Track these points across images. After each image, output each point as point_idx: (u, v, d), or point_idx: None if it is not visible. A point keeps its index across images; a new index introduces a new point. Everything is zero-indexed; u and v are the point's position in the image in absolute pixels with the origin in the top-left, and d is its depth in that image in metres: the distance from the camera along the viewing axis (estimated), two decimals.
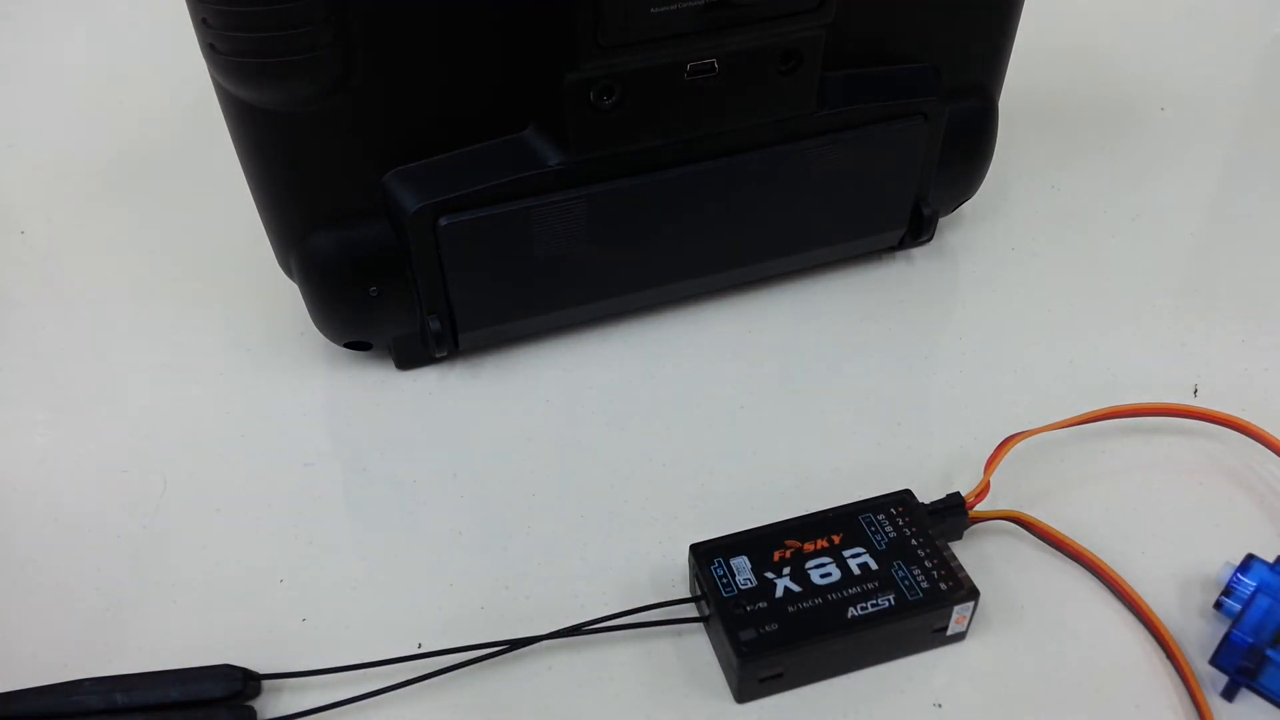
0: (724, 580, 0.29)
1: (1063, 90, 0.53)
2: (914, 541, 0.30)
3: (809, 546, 0.30)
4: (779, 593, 0.29)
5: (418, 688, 0.29)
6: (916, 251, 0.43)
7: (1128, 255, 0.43)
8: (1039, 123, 0.50)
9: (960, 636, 0.30)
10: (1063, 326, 0.40)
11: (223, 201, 0.44)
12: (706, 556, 0.30)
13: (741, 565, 0.30)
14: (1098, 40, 0.56)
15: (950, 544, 0.31)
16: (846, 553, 0.30)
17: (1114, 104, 0.52)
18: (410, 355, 0.38)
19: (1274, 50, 0.56)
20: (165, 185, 0.48)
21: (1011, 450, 0.34)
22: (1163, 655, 0.30)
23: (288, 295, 0.36)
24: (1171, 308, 0.41)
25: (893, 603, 0.29)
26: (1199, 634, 0.31)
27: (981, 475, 0.33)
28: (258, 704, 0.29)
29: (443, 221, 0.33)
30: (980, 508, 0.32)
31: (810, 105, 0.36)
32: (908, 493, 0.32)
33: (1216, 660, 0.29)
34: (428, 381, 0.38)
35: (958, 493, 0.32)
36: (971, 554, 0.32)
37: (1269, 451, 0.34)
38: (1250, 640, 0.29)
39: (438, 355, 0.37)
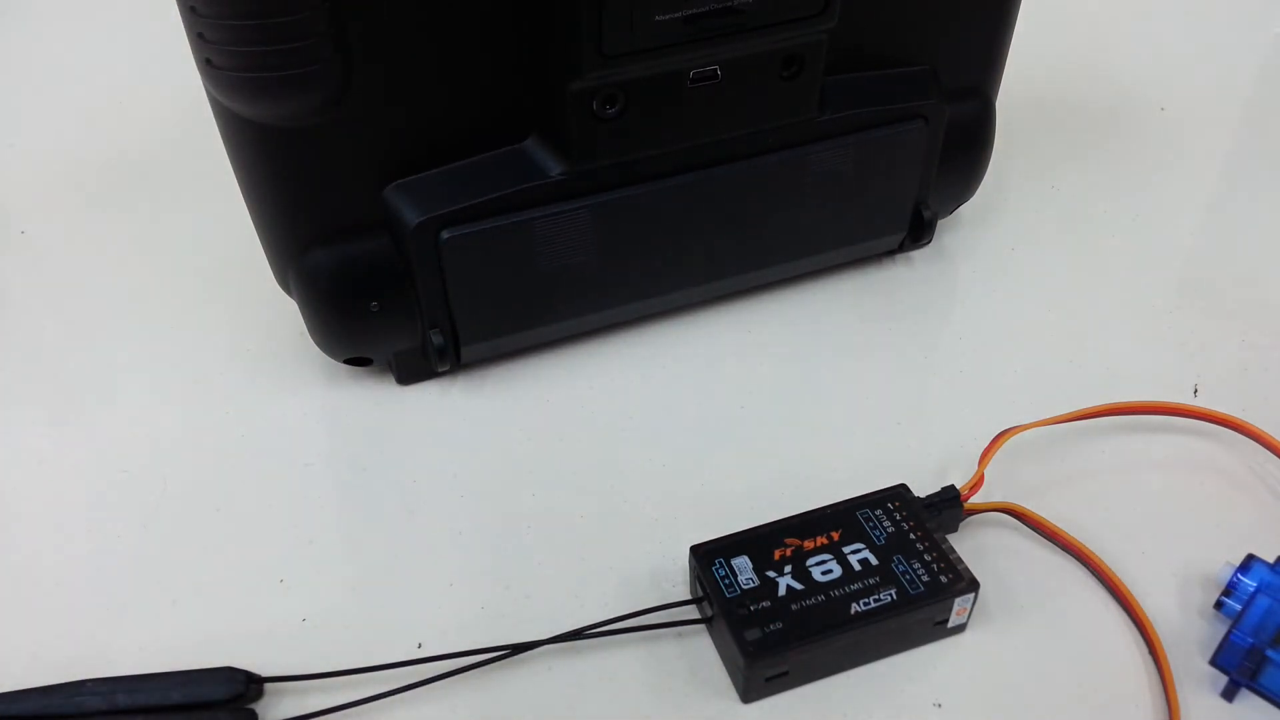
0: (726, 580, 0.29)
1: (1062, 90, 0.53)
2: (912, 535, 0.31)
3: (809, 544, 0.30)
4: (782, 591, 0.29)
5: (419, 691, 0.29)
6: (916, 254, 0.43)
7: (1128, 255, 0.43)
8: (1039, 123, 0.50)
9: (961, 628, 0.31)
10: (1062, 327, 0.40)
11: (224, 204, 0.44)
12: (708, 557, 0.30)
13: (743, 565, 0.30)
14: (1097, 40, 0.56)
15: (947, 536, 0.32)
16: (846, 549, 0.30)
17: (1114, 104, 0.52)
18: (412, 370, 0.38)
19: (1274, 50, 0.56)
20: (166, 186, 0.48)
21: (1009, 446, 0.34)
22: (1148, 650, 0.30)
23: (287, 305, 0.36)
24: (1171, 308, 0.41)
25: (895, 597, 0.29)
26: (1200, 634, 0.31)
27: (976, 469, 0.33)
28: (259, 706, 0.29)
29: (445, 235, 0.33)
30: (975, 500, 0.33)
31: (812, 110, 0.36)
32: (903, 487, 0.32)
33: (1216, 660, 0.29)
34: (430, 396, 0.38)
35: (952, 485, 0.32)
36: (968, 546, 0.32)
37: (1269, 452, 0.34)
38: (1250, 641, 0.29)
39: (440, 370, 0.37)
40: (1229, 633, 0.29)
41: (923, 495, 0.32)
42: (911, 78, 0.37)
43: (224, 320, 0.41)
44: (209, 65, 0.28)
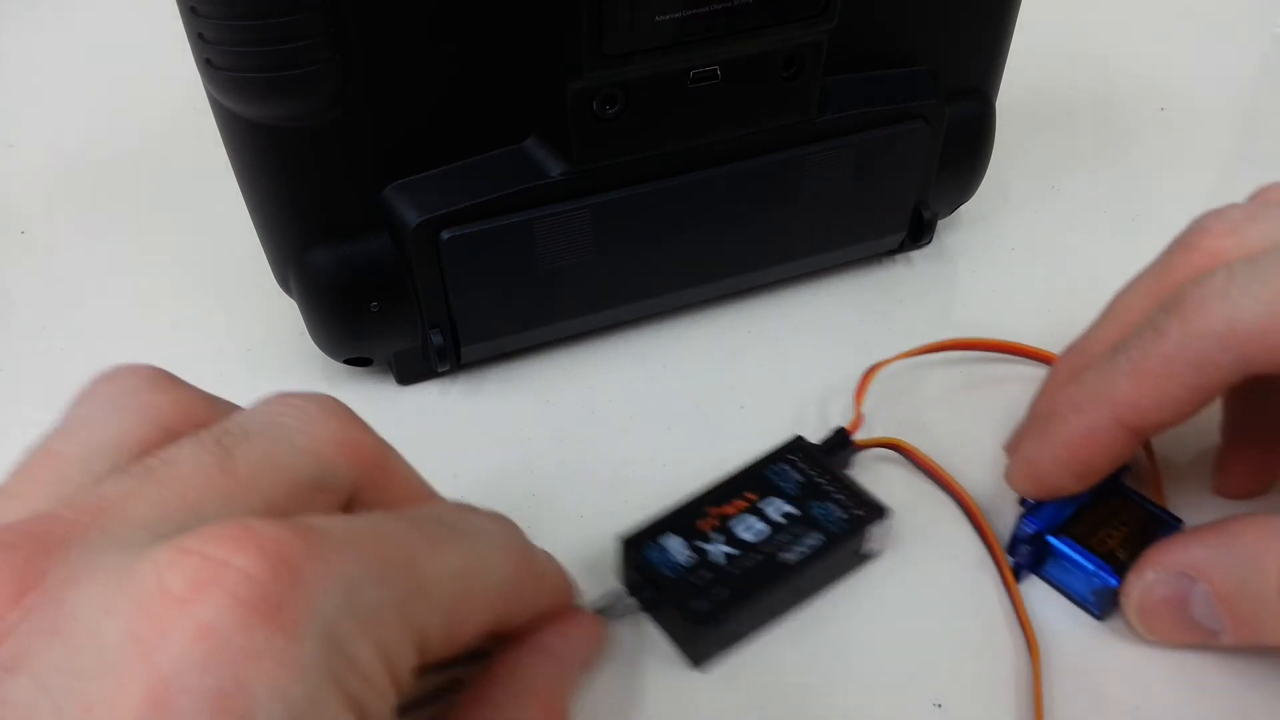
0: (663, 563, 0.30)
1: (1062, 90, 0.53)
2: (820, 480, 0.32)
3: (730, 509, 0.31)
4: (718, 558, 0.30)
5: None
6: (916, 254, 0.43)
7: (1128, 255, 0.43)
8: (1038, 123, 0.50)
9: (876, 554, 0.32)
10: (1063, 327, 0.40)
11: (224, 204, 0.44)
12: (638, 543, 0.31)
13: (673, 543, 0.31)
14: (1097, 40, 0.56)
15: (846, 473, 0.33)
16: (765, 506, 0.31)
17: (1114, 104, 0.52)
18: (411, 370, 0.38)
19: (1274, 50, 0.56)
20: (167, 186, 0.48)
21: (879, 380, 0.37)
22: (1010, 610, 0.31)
23: (287, 305, 0.36)
24: None
25: (822, 539, 0.30)
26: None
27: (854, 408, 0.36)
28: None
29: (445, 235, 0.33)
30: (860, 437, 0.34)
31: (812, 111, 0.36)
32: (799, 438, 0.33)
33: (1009, 548, 0.32)
34: (430, 396, 0.38)
35: (841, 427, 0.34)
36: (861, 480, 0.34)
37: None
38: (1037, 527, 0.30)
39: (440, 370, 0.37)
40: (1020, 519, 0.31)
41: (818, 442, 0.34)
42: (911, 78, 0.37)
43: (224, 320, 0.41)
44: (209, 65, 0.28)
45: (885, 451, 0.35)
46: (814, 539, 0.30)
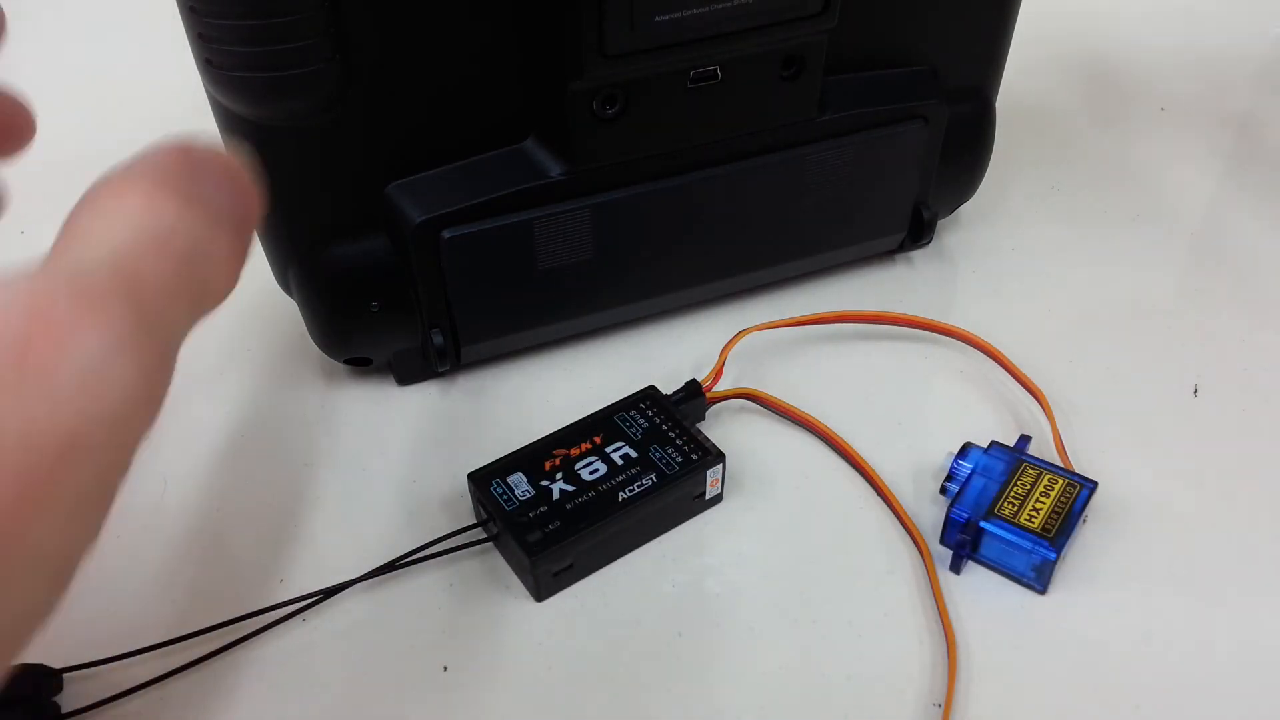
0: (505, 497, 0.32)
1: (1062, 90, 0.53)
2: (664, 426, 0.33)
3: (575, 451, 0.33)
4: (556, 496, 0.32)
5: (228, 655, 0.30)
6: (916, 254, 0.43)
7: (1127, 255, 0.43)
8: (1039, 123, 0.50)
9: (718, 499, 0.33)
10: (1062, 327, 0.40)
11: None
12: (485, 480, 0.32)
13: (518, 481, 0.32)
14: (1097, 40, 0.56)
15: (697, 425, 0.35)
16: (608, 449, 0.33)
17: (1114, 104, 0.52)
18: (412, 370, 0.38)
19: (1274, 50, 0.56)
20: None
21: (756, 352, 0.38)
22: (892, 517, 0.33)
23: (287, 305, 0.36)
24: (1171, 308, 0.41)
25: (655, 480, 0.32)
26: (933, 519, 0.33)
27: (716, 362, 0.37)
28: (60, 699, 0.29)
29: (445, 234, 0.33)
30: (716, 390, 0.36)
31: (812, 111, 0.36)
32: (652, 388, 0.35)
33: (944, 539, 0.32)
34: (430, 396, 0.38)
35: (694, 379, 0.35)
36: (716, 431, 0.35)
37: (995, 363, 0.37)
38: (967, 515, 0.31)
39: (440, 370, 0.37)
40: (948, 511, 0.31)
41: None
42: (911, 78, 0.37)
43: (224, 320, 0.41)
44: (209, 65, 0.28)
45: (750, 405, 0.37)
46: (648, 479, 0.32)
